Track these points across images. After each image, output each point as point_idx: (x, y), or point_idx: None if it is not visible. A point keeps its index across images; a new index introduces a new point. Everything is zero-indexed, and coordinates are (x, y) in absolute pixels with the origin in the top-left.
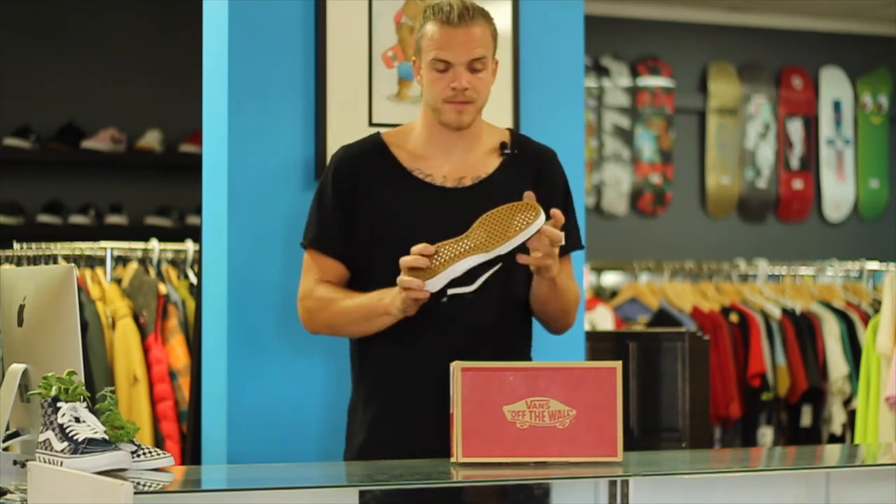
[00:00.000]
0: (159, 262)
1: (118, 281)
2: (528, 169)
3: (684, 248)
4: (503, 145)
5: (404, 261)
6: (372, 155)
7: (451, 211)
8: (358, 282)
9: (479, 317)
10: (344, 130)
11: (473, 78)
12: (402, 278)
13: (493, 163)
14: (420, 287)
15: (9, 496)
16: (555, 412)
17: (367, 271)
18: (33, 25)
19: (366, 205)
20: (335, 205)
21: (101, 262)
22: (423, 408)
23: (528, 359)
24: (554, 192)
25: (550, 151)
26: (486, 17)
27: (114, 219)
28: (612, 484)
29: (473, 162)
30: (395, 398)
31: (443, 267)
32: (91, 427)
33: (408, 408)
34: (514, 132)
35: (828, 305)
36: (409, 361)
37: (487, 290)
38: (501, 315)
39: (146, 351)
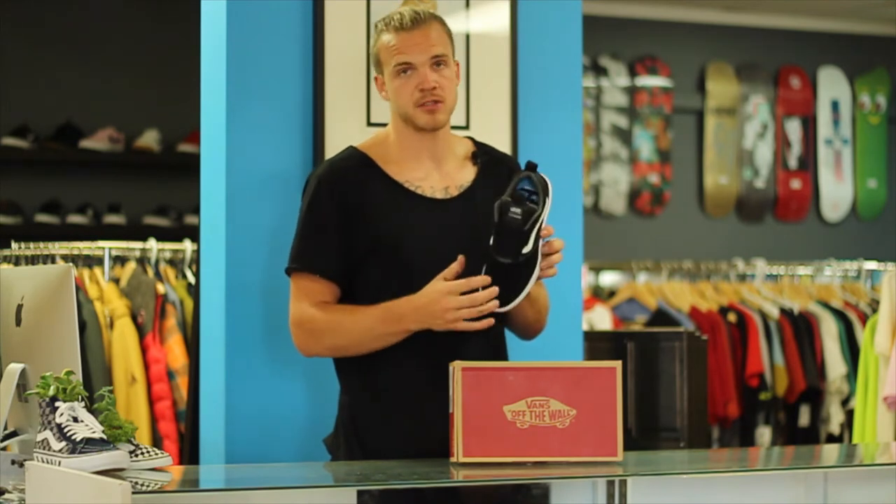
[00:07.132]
0: (157, 261)
1: (116, 280)
2: (502, 177)
3: (682, 248)
4: (475, 154)
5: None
6: (361, 171)
7: (446, 221)
8: (353, 297)
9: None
10: (342, 130)
11: (438, 76)
12: (477, 296)
13: (470, 171)
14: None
15: (7, 496)
16: (555, 412)
17: (364, 286)
18: (31, 25)
19: (364, 221)
20: (336, 227)
21: (99, 261)
22: (420, 407)
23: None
24: None
25: (514, 160)
26: (438, 19)
27: (112, 218)
28: (611, 484)
29: (451, 171)
30: (391, 397)
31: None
32: (89, 427)
33: (404, 407)
34: (474, 140)
35: (826, 305)
36: (402, 361)
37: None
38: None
39: (144, 350)
